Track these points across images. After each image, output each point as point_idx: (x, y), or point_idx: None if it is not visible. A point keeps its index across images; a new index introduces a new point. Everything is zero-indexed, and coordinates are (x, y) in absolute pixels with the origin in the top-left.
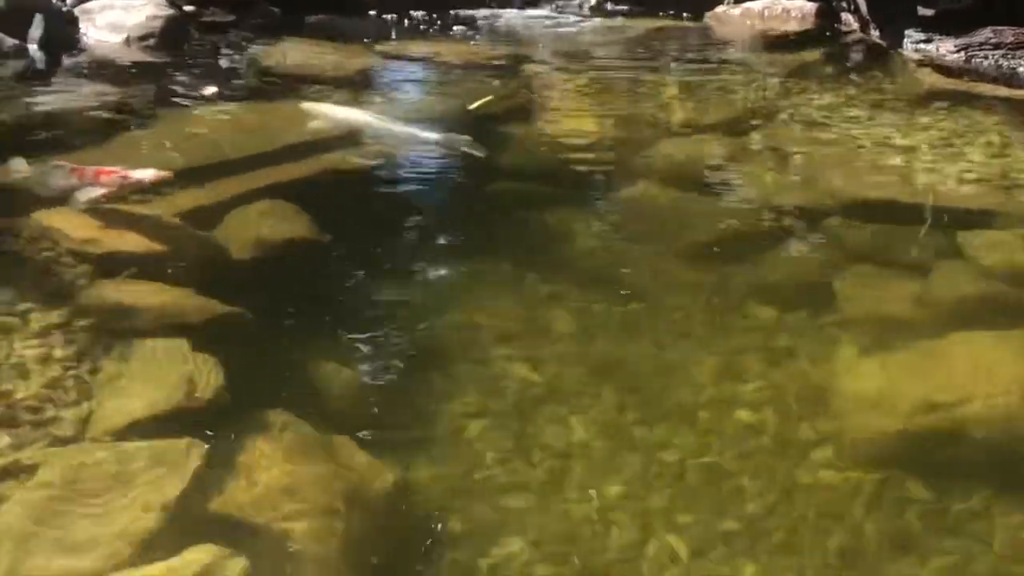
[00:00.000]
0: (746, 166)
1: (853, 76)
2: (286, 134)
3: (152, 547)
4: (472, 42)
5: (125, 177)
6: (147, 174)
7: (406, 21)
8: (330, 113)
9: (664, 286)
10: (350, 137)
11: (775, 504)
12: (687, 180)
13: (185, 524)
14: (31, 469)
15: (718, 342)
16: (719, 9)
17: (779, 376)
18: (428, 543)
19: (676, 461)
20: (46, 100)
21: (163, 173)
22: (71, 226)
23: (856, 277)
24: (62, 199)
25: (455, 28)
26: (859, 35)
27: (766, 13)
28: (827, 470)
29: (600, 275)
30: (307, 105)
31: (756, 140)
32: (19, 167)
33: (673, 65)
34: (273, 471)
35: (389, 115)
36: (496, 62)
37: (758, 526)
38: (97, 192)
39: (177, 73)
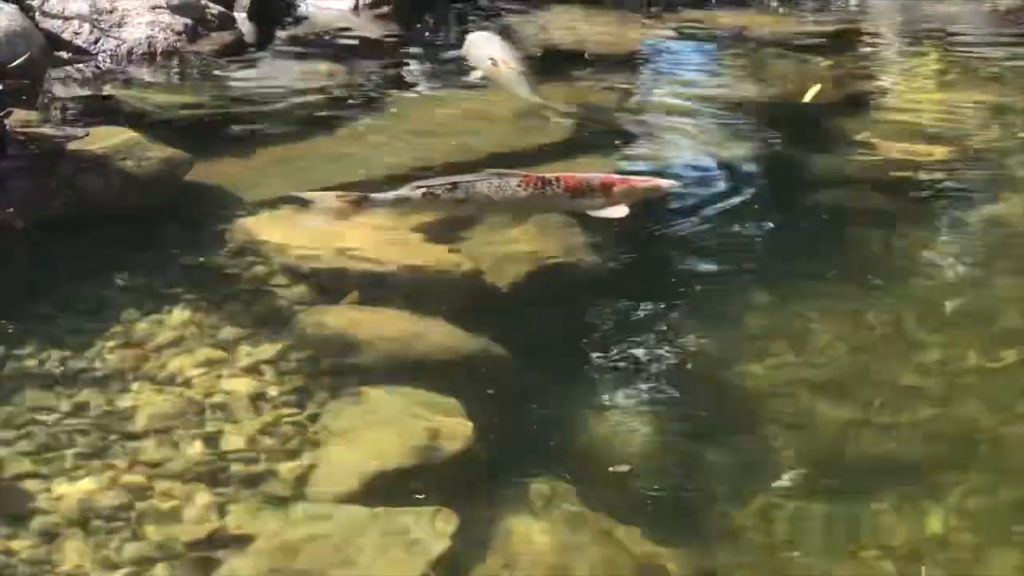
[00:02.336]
0: None
1: None
2: (542, 132)
3: None
4: (794, 11)
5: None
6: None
7: None
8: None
9: None
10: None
11: None
12: None
13: None
14: (241, 540)
15: None
16: None
17: None
18: None
19: None
20: (251, 82)
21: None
22: (285, 236)
23: None
24: None
25: None
26: None
27: None
28: None
29: (960, 318)
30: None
31: None
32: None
33: None
34: (537, 556)
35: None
36: (822, 38)
37: None
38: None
39: (417, 48)
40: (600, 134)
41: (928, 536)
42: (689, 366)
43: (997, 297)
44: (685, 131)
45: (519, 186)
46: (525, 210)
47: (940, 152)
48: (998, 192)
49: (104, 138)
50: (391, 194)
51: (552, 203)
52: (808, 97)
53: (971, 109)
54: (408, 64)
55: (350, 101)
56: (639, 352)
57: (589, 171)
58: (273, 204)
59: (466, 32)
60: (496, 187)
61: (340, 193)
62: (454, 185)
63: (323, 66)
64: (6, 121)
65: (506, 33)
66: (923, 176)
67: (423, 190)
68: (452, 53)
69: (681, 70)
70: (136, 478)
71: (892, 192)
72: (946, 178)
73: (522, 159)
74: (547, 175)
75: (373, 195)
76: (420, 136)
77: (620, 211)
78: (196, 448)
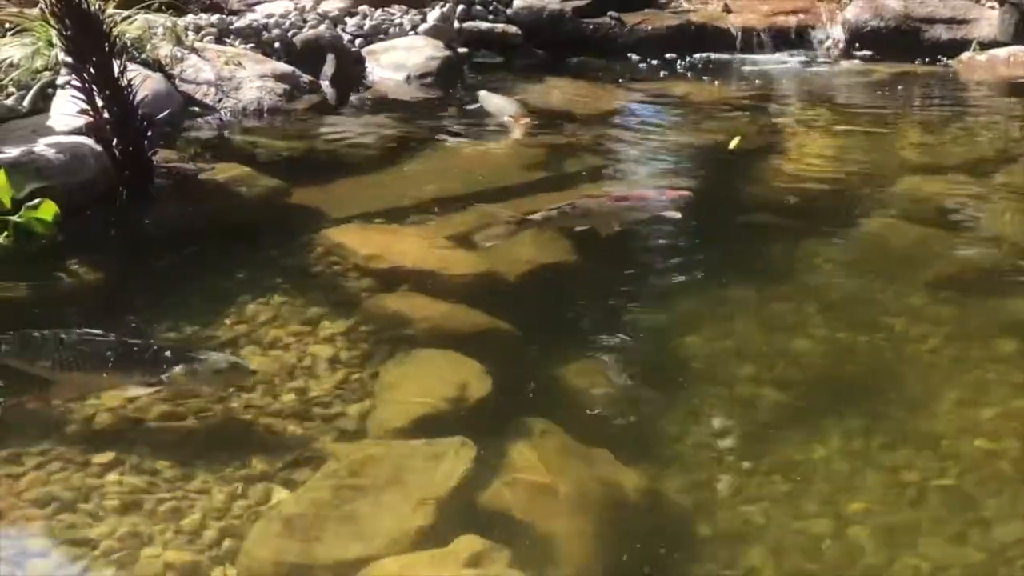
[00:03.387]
0: (988, 205)
1: None
2: (538, 169)
3: (427, 536)
4: (722, 84)
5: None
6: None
7: (661, 64)
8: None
9: (907, 318)
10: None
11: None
12: (928, 217)
13: (455, 517)
14: (319, 460)
15: (961, 374)
16: (965, 55)
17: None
18: (676, 548)
19: (916, 482)
20: (332, 132)
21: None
22: (357, 243)
23: None
24: None
25: (707, 71)
26: None
27: (1011, 60)
28: None
29: (843, 304)
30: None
31: (999, 181)
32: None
33: (916, 107)
34: (534, 473)
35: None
36: (745, 103)
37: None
38: None
39: (452, 107)
40: (581, 170)
41: (816, 459)
42: (647, 337)
43: (869, 290)
44: (647, 167)
45: (608, 202)
46: (612, 219)
47: (830, 184)
48: (876, 213)
49: (225, 171)
50: (539, 215)
51: (631, 213)
52: (733, 145)
53: (854, 148)
54: (444, 119)
55: (403, 146)
56: (611, 328)
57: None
58: (348, 220)
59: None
60: (597, 204)
61: (508, 216)
62: (573, 206)
63: (385, 119)
64: (154, 158)
65: (514, 95)
66: (815, 202)
67: (556, 210)
68: (473, 107)
69: (641, 124)
70: (247, 417)
71: (792, 212)
72: (833, 201)
73: (525, 189)
74: (624, 192)
75: (528, 217)
76: (451, 171)
77: (675, 213)
78: (289, 396)
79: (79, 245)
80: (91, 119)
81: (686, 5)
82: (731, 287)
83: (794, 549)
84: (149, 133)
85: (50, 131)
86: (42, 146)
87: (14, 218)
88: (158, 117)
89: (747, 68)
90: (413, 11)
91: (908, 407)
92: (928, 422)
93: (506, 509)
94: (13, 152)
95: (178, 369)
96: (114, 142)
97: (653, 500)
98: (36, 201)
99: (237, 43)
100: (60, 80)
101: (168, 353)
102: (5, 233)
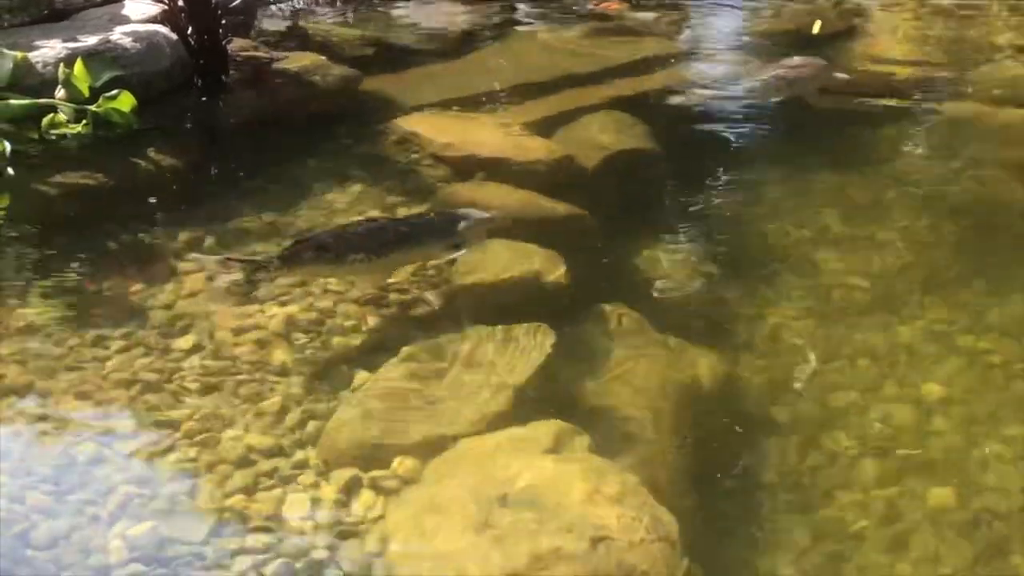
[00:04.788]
0: None
1: None
2: (616, 52)
3: (506, 419)
4: None
5: None
6: None
7: None
8: None
9: (991, 205)
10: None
11: None
12: (1018, 100)
13: (534, 401)
14: (398, 345)
15: None
16: None
17: None
18: (754, 430)
19: (999, 366)
20: (405, 20)
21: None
22: (432, 131)
23: None
24: None
25: None
26: None
27: None
28: None
29: (927, 190)
30: None
31: None
32: None
33: None
34: (612, 359)
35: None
36: None
37: None
38: None
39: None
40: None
41: (898, 344)
42: (726, 225)
43: (950, 173)
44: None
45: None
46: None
47: (914, 68)
48: (963, 98)
49: (299, 60)
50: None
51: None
52: (815, 29)
53: (941, 30)
54: (517, 8)
55: (478, 33)
56: (690, 215)
57: None
58: (422, 108)
59: None
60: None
61: None
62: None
63: (458, 8)
64: (229, 47)
65: None
66: (898, 87)
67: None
68: None
69: (719, 9)
70: (325, 303)
71: (876, 96)
72: (918, 84)
73: (605, 74)
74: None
75: None
76: (529, 57)
77: None
78: (367, 283)
79: (157, 134)
80: (166, 7)
81: None
82: (813, 173)
83: (874, 434)
84: (223, 22)
85: (126, 20)
86: (118, 35)
87: (92, 108)
88: (232, 5)
89: None
90: None
91: (992, 294)
92: (1013, 308)
93: (584, 394)
94: (90, 40)
95: (463, 226)
96: (188, 31)
97: (731, 385)
98: (114, 92)
99: None
100: None
101: (451, 217)
102: (84, 122)
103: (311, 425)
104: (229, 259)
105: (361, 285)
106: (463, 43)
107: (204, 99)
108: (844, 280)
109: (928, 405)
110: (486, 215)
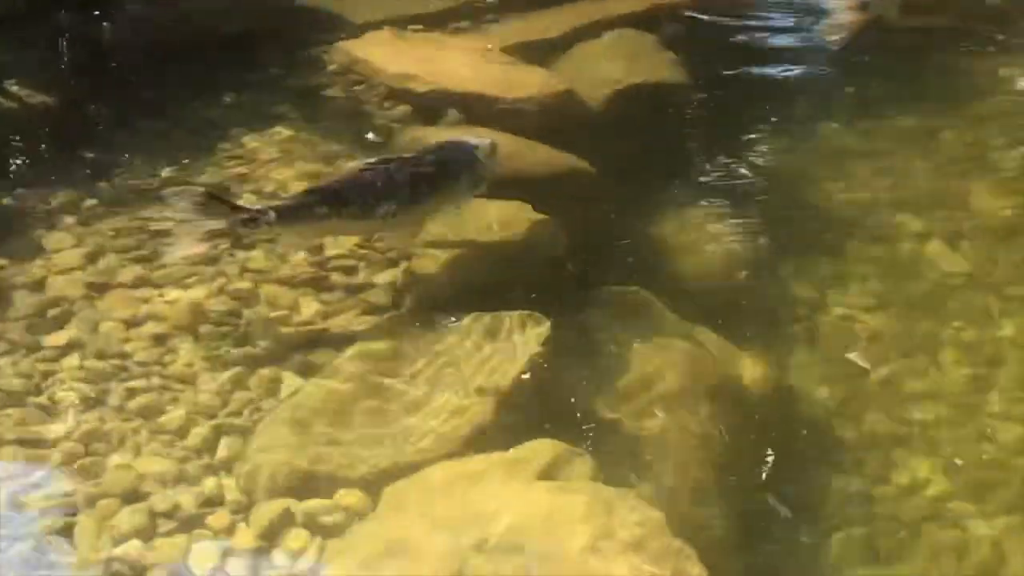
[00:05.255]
0: None
1: None
2: None
3: (486, 436)
4: None
5: None
6: None
7: None
8: None
9: None
10: None
11: None
12: None
13: (523, 412)
14: (344, 339)
15: None
16: None
17: None
18: (810, 455)
19: None
20: None
21: None
22: (386, 58)
23: None
24: None
25: None
26: None
27: None
28: None
29: None
30: None
31: None
32: None
33: None
34: (620, 358)
35: None
36: None
37: None
38: None
39: None
40: None
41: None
42: (772, 182)
43: None
44: None
45: None
46: None
47: None
48: None
49: None
50: None
51: None
52: None
53: None
54: None
55: None
56: (723, 168)
57: None
58: (374, 26)
59: None
60: None
61: None
62: None
63: None
64: None
65: None
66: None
67: None
68: None
69: None
70: (245, 284)
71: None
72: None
73: None
74: None
75: None
76: None
77: None
78: (301, 257)
79: (18, 62)
80: None
81: None
82: (892, 116)
83: (970, 459)
84: None
85: None
86: None
87: None
88: None
89: None
90: None
91: None
92: None
93: (587, 403)
94: None
95: (482, 156)
96: None
97: (779, 393)
98: None
99: None
100: None
101: (462, 147)
102: None
103: (225, 446)
104: (212, 196)
105: (292, 261)
106: None
107: (84, 16)
108: (930, 259)
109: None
110: (490, 141)
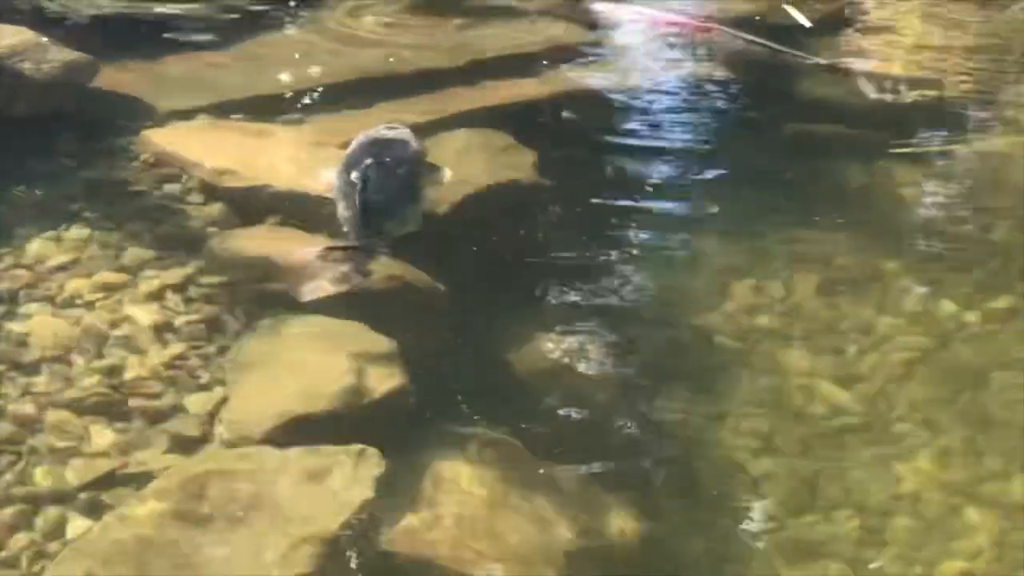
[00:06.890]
0: None
1: None
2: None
3: None
4: None
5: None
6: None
7: None
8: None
9: None
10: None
11: None
12: None
13: (352, 566)
14: (140, 478)
15: None
16: None
17: None
18: None
19: None
20: None
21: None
22: (200, 149)
23: None
24: None
25: None
26: None
27: None
28: None
29: (938, 253)
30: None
31: None
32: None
33: None
34: (470, 503)
35: None
36: None
37: None
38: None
39: None
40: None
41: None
42: (642, 299)
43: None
44: None
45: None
46: None
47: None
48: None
49: (1, 36)
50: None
51: None
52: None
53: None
54: None
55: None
56: (593, 279)
57: None
58: (186, 115)
59: None
60: None
61: None
62: None
63: None
64: None
65: None
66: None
67: None
68: None
69: None
70: (28, 409)
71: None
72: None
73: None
74: None
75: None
76: (343, 43)
77: None
78: (94, 379)
79: None
80: None
81: None
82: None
83: None
84: None
85: None
86: None
87: None
88: None
89: None
90: None
91: None
92: None
93: (428, 554)
94: None
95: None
96: None
97: (654, 550)
98: None
99: None
100: None
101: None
102: None
103: None
104: (330, 248)
105: (85, 385)
106: (250, 20)
107: None
108: (820, 390)
109: None
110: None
